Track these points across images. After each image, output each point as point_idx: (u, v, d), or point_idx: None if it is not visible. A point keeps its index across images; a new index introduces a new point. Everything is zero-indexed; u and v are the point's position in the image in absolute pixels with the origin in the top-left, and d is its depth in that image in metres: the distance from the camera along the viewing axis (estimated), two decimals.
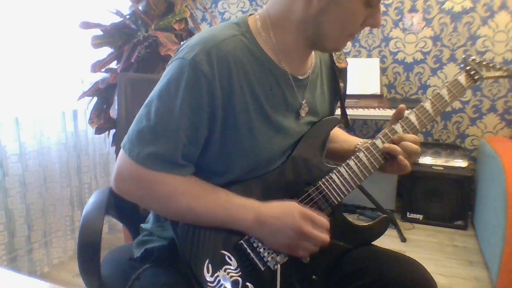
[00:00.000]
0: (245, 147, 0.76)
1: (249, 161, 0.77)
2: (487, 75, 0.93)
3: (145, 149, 0.72)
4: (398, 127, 0.86)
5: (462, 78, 0.91)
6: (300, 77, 0.82)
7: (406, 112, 0.88)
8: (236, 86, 0.73)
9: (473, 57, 0.94)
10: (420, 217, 2.49)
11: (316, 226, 0.75)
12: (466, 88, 0.91)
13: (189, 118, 0.71)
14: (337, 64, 0.92)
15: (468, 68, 0.92)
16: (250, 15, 0.81)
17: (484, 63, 0.93)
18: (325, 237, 0.75)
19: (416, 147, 0.82)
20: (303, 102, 0.83)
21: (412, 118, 0.87)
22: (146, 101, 0.75)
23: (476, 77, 0.92)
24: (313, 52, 0.87)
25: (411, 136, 0.84)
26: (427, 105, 0.88)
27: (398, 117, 0.88)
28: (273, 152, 0.79)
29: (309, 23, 0.73)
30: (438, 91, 0.90)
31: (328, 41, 0.76)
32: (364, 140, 0.96)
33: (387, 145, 0.83)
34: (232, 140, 0.75)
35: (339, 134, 1.02)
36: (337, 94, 0.95)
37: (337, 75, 0.93)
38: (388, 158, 0.84)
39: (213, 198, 0.75)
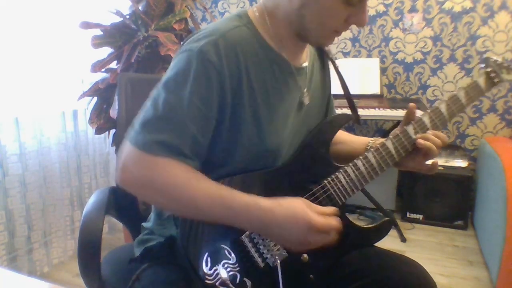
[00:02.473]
0: (251, 137, 0.76)
1: (255, 150, 0.77)
2: (507, 78, 0.88)
3: (152, 136, 0.70)
4: (410, 129, 0.83)
5: (481, 81, 0.87)
6: (299, 66, 0.83)
7: (420, 113, 0.86)
8: (244, 75, 0.73)
9: (494, 58, 0.89)
10: (420, 217, 2.49)
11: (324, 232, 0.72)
12: (485, 91, 0.87)
13: (199, 109, 0.71)
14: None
15: (489, 70, 0.88)
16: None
17: (505, 65, 0.89)
18: (332, 240, 0.73)
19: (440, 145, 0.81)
20: (305, 91, 0.84)
21: (426, 120, 0.84)
22: (153, 93, 0.74)
23: (495, 80, 0.88)
24: None
25: (444, 136, 0.82)
26: (443, 107, 0.85)
27: (410, 118, 0.85)
28: (278, 141, 0.79)
29: (294, 16, 0.75)
30: (455, 93, 0.86)
31: (311, 35, 0.76)
32: (375, 138, 0.93)
33: (422, 141, 0.79)
34: (239, 129, 0.75)
35: (344, 136, 1.01)
36: (328, 87, 0.96)
37: (327, 70, 0.95)
38: (411, 151, 0.82)
39: (217, 194, 0.72)
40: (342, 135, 1.01)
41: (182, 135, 0.71)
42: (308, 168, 0.82)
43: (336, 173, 0.81)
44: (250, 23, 0.78)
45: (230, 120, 0.74)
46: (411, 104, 0.85)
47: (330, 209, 0.74)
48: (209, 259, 0.74)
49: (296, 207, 0.71)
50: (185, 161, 0.72)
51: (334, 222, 0.72)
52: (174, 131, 0.70)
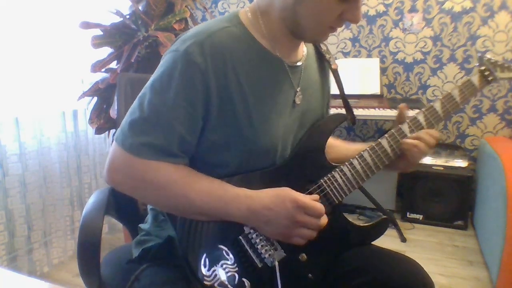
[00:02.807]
0: (244, 135, 0.76)
1: (249, 149, 0.77)
2: (501, 76, 0.90)
3: (138, 139, 0.72)
4: (405, 128, 0.85)
5: (475, 79, 0.88)
6: (293, 64, 0.83)
7: (415, 112, 0.87)
8: (231, 76, 0.74)
9: (488, 57, 0.91)
10: (420, 217, 2.49)
11: (310, 213, 0.73)
12: (479, 89, 0.89)
13: (185, 109, 0.72)
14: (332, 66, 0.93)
15: (483, 68, 0.89)
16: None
17: (499, 63, 0.90)
18: (321, 223, 0.74)
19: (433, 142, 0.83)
20: (298, 90, 0.84)
21: (421, 118, 0.85)
22: (140, 93, 0.75)
23: (490, 78, 0.89)
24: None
25: (435, 132, 0.84)
26: (437, 105, 0.86)
27: (401, 119, 0.87)
28: (272, 139, 0.79)
29: (288, 12, 0.75)
30: (449, 91, 0.87)
31: (306, 31, 0.76)
32: (371, 143, 0.94)
33: (408, 141, 0.83)
34: (231, 129, 0.75)
35: (339, 143, 1.01)
36: (327, 89, 0.96)
37: (326, 71, 0.95)
38: (399, 155, 0.84)
39: (207, 186, 0.75)
40: (338, 143, 1.01)
41: (169, 135, 0.72)
42: (304, 167, 0.83)
43: (333, 172, 0.82)
44: (240, 24, 0.78)
45: (218, 120, 0.75)
46: (401, 105, 0.87)
47: (313, 195, 0.77)
48: (207, 260, 0.75)
49: (281, 189, 0.75)
50: (174, 161, 0.74)
51: (319, 204, 0.74)
52: (161, 132, 0.72)
